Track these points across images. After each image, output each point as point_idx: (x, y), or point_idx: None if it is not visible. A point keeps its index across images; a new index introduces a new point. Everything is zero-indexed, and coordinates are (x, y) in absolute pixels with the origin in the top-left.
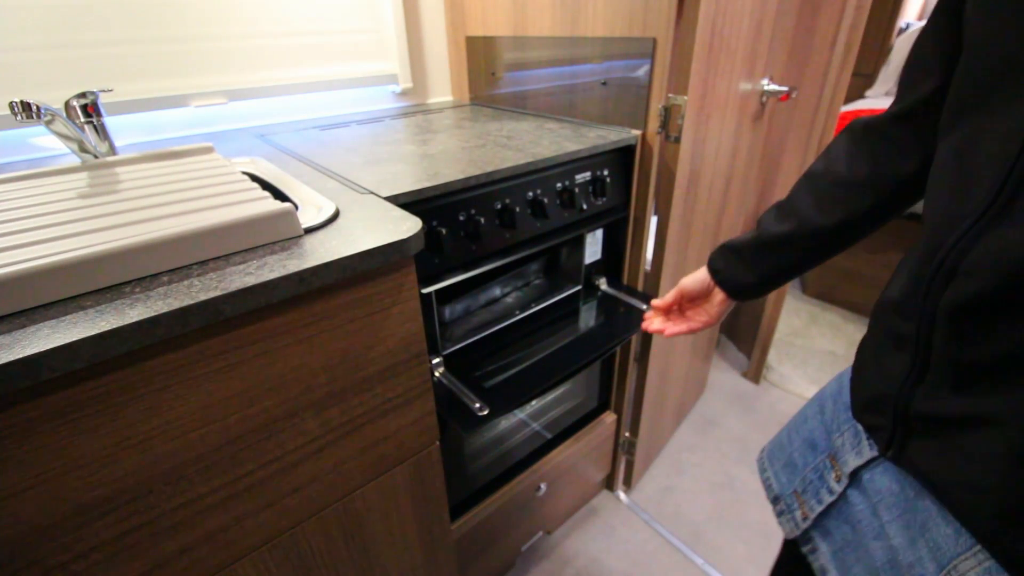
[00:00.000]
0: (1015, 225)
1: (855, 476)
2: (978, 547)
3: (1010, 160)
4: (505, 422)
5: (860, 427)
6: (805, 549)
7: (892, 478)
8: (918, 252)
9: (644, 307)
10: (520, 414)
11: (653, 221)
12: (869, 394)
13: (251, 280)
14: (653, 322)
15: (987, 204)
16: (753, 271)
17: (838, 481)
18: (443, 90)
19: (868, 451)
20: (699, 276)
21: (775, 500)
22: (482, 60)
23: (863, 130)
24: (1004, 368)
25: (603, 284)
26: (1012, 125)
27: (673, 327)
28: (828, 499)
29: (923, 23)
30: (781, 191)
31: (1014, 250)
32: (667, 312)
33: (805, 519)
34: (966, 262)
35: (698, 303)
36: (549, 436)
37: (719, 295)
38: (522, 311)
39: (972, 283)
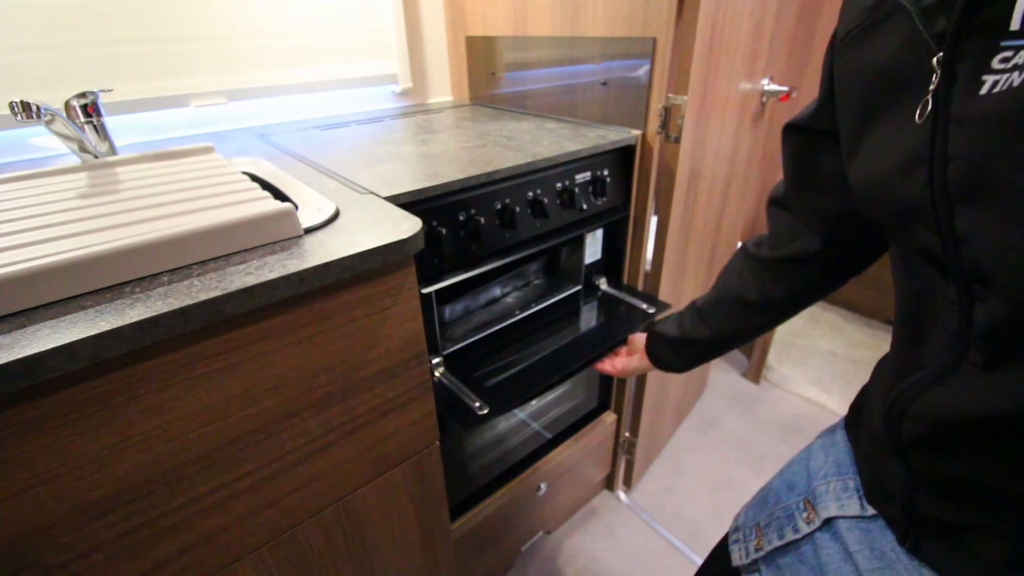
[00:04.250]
0: (952, 389)
1: (829, 523)
2: None
3: (954, 330)
4: (505, 422)
5: (851, 484)
6: None
7: (887, 541)
8: (882, 382)
9: (644, 306)
10: (520, 414)
11: (653, 221)
12: (878, 487)
13: (251, 280)
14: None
15: (935, 364)
16: (678, 358)
17: (808, 523)
18: (443, 90)
19: (857, 508)
20: (643, 339)
21: (734, 530)
22: (482, 60)
23: (753, 261)
24: (983, 488)
25: (603, 284)
26: (954, 295)
27: (604, 365)
28: (791, 536)
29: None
30: None
31: (947, 408)
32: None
33: (758, 550)
34: (911, 409)
35: (632, 352)
36: (549, 436)
37: (644, 360)
38: (522, 311)
39: (918, 427)
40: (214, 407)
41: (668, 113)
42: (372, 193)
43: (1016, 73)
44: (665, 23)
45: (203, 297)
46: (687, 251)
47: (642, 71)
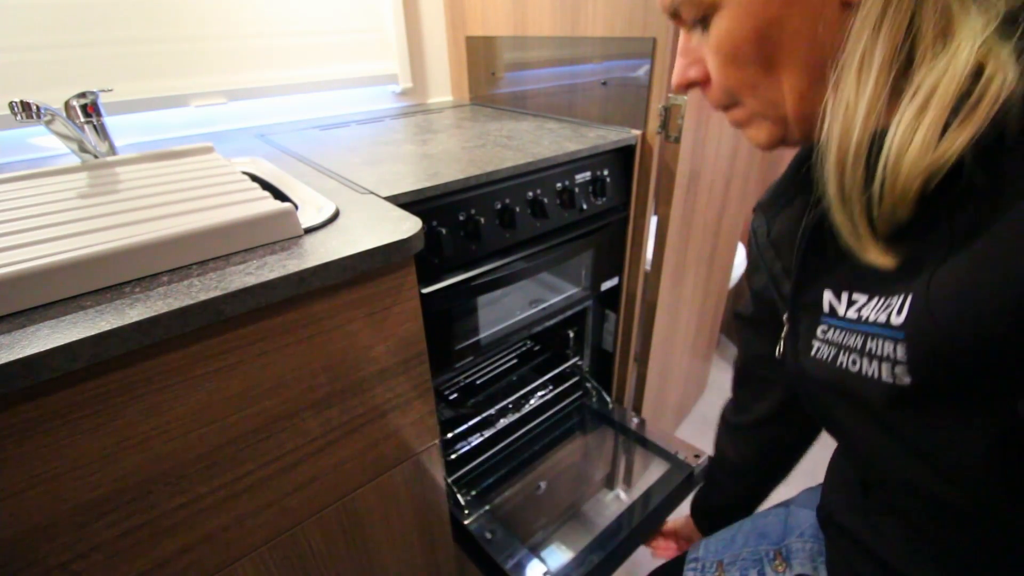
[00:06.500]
0: (859, 513)
1: None
2: None
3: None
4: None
5: (825, 551)
6: None
7: None
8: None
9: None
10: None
11: (653, 221)
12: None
13: (251, 280)
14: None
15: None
16: (731, 518)
17: (777, 572)
18: (443, 90)
19: (825, 575)
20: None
21: (693, 559)
22: (482, 60)
23: (725, 427)
24: None
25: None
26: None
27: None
28: None
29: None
30: None
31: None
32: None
33: None
34: (835, 519)
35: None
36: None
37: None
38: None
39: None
40: (214, 407)
41: (668, 113)
42: (372, 193)
43: (826, 346)
44: (665, 23)
45: (203, 297)
46: (687, 251)
47: (642, 71)
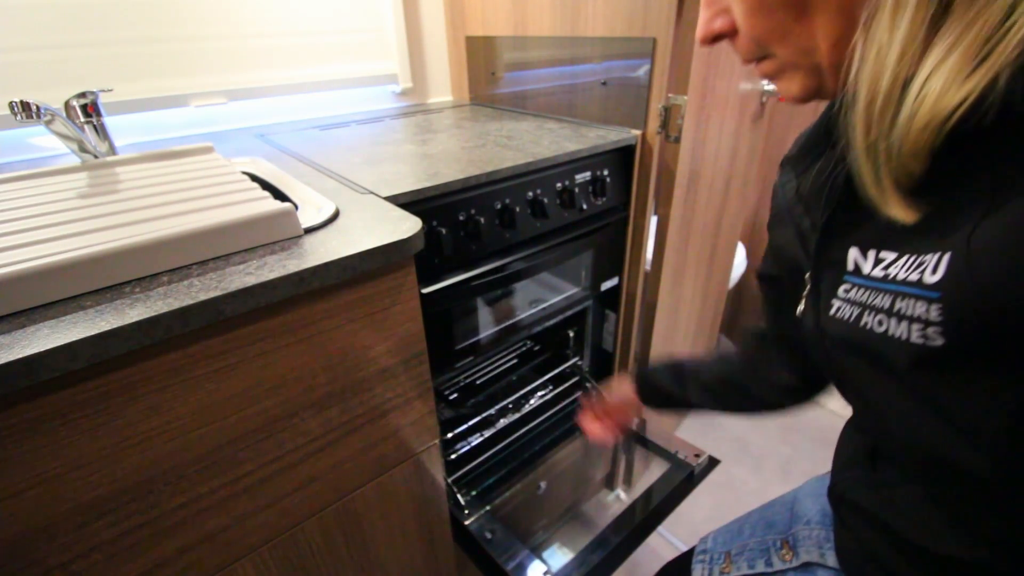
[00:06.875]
0: (870, 487)
1: (808, 566)
2: None
3: (868, 445)
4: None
5: (833, 536)
6: None
7: None
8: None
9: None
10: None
11: (653, 221)
12: (843, 549)
13: (251, 280)
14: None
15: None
16: (675, 408)
17: (784, 561)
18: (443, 90)
19: (833, 561)
20: (625, 393)
21: (701, 551)
22: (482, 60)
23: (757, 339)
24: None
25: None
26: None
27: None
28: (761, 568)
29: None
30: None
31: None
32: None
33: (724, 574)
34: (847, 497)
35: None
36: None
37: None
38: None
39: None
40: (214, 407)
41: (668, 113)
42: (372, 193)
43: (848, 306)
44: (665, 23)
45: (203, 297)
46: (687, 251)
47: (642, 71)
